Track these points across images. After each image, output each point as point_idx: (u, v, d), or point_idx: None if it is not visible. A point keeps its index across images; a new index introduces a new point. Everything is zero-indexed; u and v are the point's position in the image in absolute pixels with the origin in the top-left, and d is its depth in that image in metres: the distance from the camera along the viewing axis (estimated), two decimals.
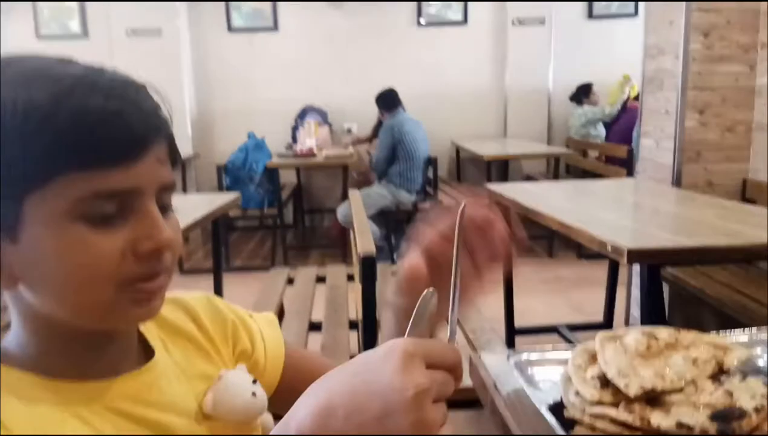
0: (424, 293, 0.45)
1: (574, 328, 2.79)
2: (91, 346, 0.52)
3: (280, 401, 0.63)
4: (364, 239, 1.74)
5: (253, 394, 0.59)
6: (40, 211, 0.45)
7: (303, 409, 0.42)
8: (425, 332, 0.44)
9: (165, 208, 0.51)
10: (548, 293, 3.66)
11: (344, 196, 4.28)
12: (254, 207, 4.37)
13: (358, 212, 2.24)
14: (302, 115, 5.20)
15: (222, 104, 5.30)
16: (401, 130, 4.13)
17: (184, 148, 4.67)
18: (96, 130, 0.44)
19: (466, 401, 1.70)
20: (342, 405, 0.40)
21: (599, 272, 3.77)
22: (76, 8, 5.04)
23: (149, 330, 0.59)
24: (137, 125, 0.47)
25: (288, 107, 5.19)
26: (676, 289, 2.41)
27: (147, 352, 0.58)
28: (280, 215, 4.37)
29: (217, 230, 2.61)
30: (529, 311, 3.02)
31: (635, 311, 2.74)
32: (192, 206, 2.31)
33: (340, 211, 4.16)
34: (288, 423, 0.42)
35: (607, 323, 2.81)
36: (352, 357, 0.43)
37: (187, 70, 5.09)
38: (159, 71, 4.38)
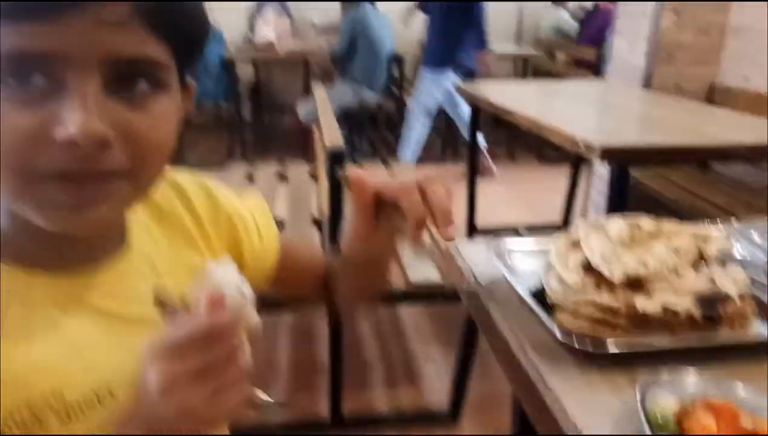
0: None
1: (533, 229, 2.85)
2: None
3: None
4: (332, 132, 1.67)
5: (241, 293, 0.53)
6: None
7: None
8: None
9: (138, 92, 0.41)
10: (509, 195, 3.71)
11: (306, 92, 4.10)
12: (210, 100, 4.16)
13: (323, 107, 2.14)
14: (260, 4, 4.85)
15: None
16: (364, 23, 3.93)
17: None
18: None
19: (429, 295, 1.73)
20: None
21: (559, 176, 3.82)
22: None
23: (134, 210, 0.53)
24: None
25: None
26: (635, 192, 2.45)
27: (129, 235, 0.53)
28: (237, 111, 4.18)
29: None
30: (490, 213, 3.06)
31: (593, 215, 2.80)
32: None
33: (302, 108, 4.01)
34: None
35: (565, 225, 2.87)
36: None
37: None
38: None
